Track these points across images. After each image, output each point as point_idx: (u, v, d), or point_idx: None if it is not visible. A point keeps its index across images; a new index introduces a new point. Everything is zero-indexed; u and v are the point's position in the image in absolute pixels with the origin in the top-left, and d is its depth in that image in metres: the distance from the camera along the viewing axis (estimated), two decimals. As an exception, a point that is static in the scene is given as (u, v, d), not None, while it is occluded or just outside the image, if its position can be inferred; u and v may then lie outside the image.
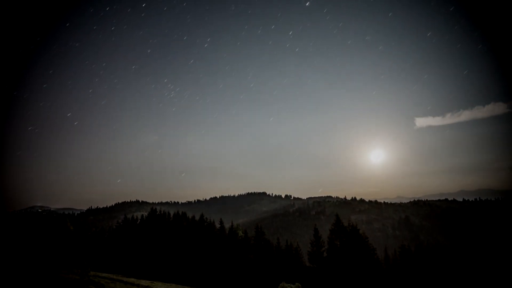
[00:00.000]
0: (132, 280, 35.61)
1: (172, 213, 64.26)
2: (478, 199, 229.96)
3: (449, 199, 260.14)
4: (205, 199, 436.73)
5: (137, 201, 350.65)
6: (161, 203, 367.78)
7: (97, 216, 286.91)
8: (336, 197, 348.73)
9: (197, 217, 56.36)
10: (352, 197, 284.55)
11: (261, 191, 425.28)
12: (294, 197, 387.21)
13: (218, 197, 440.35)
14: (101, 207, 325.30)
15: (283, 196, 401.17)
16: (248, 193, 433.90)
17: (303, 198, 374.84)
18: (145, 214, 67.91)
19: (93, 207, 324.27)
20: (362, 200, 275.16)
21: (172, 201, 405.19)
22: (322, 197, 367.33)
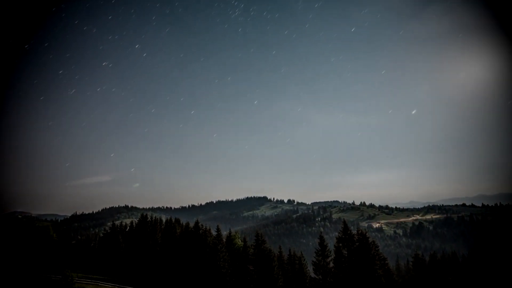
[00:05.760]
0: (120, 293, 35.68)
1: (164, 220, 64.29)
2: (498, 204, 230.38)
3: (467, 204, 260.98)
4: (201, 204, 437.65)
5: (126, 207, 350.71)
6: (152, 209, 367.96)
7: (83, 223, 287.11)
8: (344, 201, 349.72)
9: (191, 224, 56.39)
10: (361, 202, 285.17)
11: (262, 196, 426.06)
12: (297, 202, 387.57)
13: (214, 202, 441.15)
14: (87, 213, 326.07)
15: (285, 200, 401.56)
16: (247, 197, 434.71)
17: (307, 203, 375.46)
18: (135, 220, 67.92)
19: (78, 213, 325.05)
20: (372, 205, 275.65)
21: (165, 207, 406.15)
22: (328, 201, 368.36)
